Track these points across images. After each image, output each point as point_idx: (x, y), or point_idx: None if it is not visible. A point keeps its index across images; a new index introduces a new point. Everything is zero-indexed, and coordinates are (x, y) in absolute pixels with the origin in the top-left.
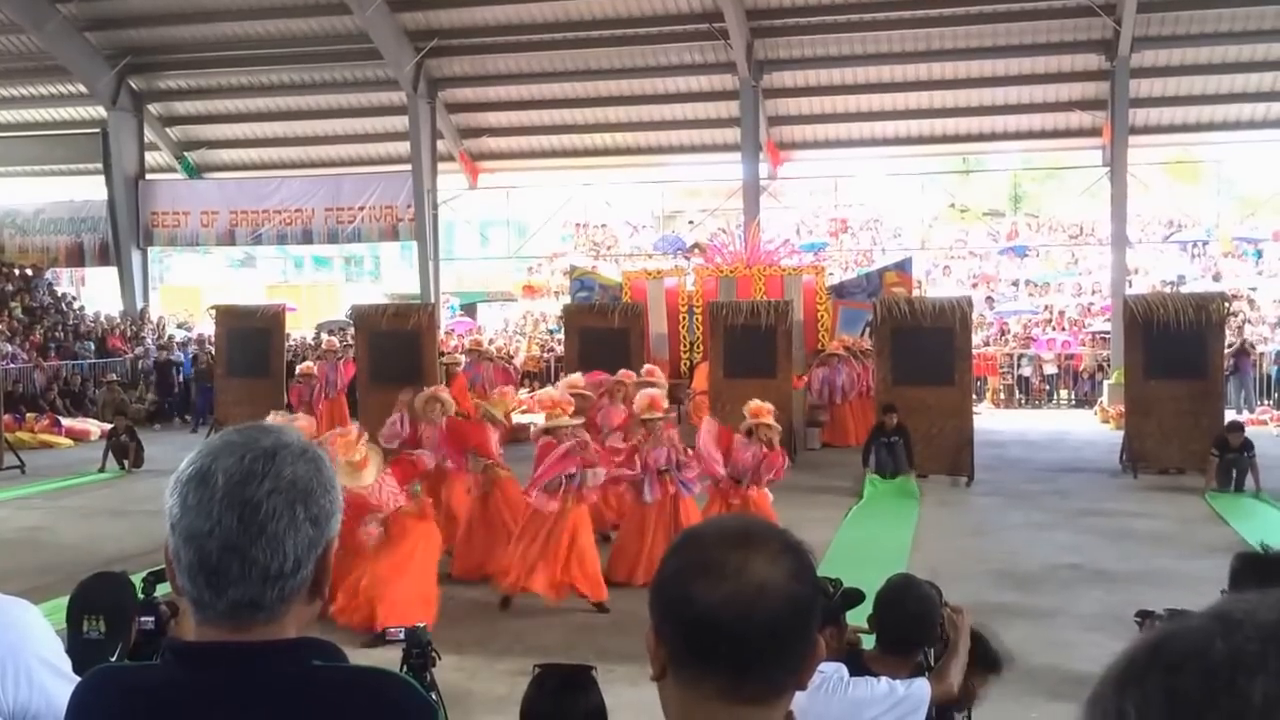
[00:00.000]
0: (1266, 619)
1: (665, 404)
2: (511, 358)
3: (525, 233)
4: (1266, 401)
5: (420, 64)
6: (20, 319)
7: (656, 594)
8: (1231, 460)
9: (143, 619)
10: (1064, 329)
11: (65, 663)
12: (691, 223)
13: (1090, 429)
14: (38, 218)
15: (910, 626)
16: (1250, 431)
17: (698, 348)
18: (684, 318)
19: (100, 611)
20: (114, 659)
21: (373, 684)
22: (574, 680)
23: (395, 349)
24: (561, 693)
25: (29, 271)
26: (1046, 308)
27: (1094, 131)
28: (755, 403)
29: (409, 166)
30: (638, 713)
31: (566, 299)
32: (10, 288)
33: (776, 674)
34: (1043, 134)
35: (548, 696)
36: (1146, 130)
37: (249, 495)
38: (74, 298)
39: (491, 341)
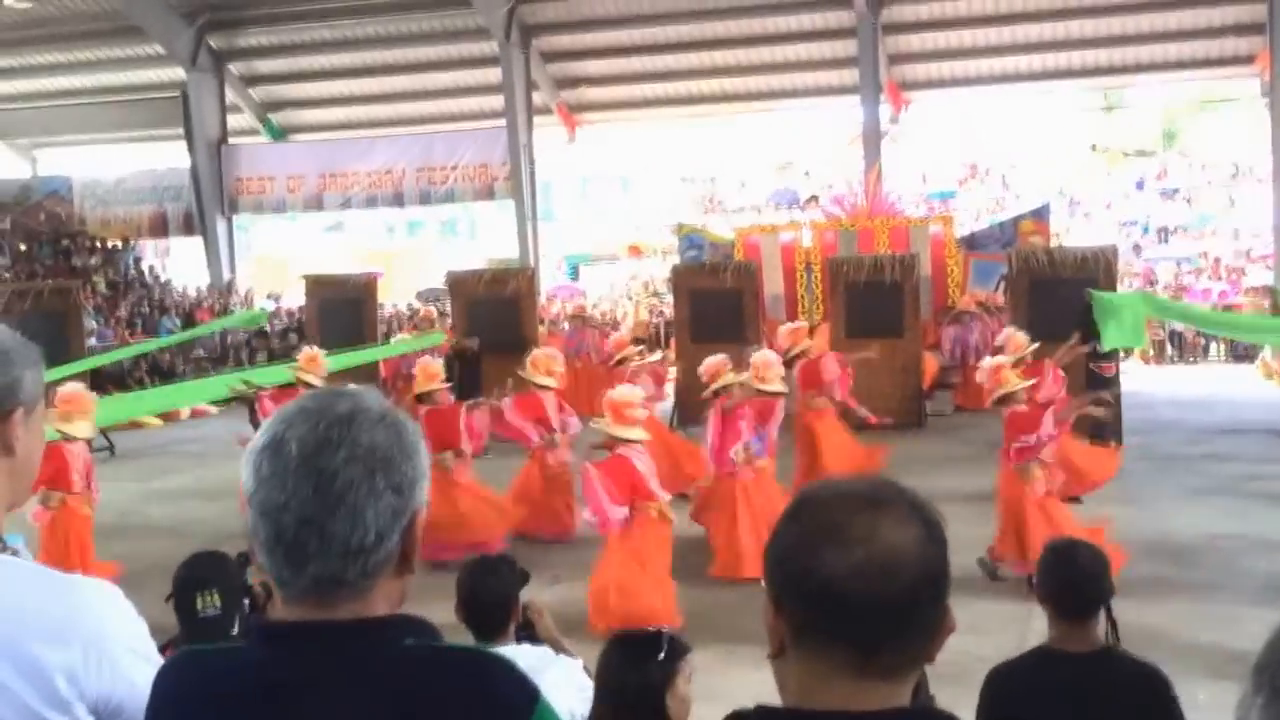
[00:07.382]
0: None
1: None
2: (618, 324)
3: (629, 188)
4: None
5: (513, 10)
6: (105, 294)
7: (776, 565)
8: None
9: None
10: (1220, 277)
11: (151, 648)
12: (807, 173)
13: (1250, 387)
14: (119, 187)
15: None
16: None
17: (817, 308)
18: (802, 275)
19: (213, 586)
20: (235, 633)
21: (471, 666)
22: (636, 648)
23: (493, 316)
24: (624, 662)
25: (113, 245)
26: (1203, 254)
27: (1250, 59)
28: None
29: (503, 121)
30: (762, 696)
31: (675, 258)
32: (94, 261)
33: (910, 645)
34: (1193, 63)
35: (609, 665)
36: None
37: (324, 464)
38: (159, 271)
39: (595, 306)
